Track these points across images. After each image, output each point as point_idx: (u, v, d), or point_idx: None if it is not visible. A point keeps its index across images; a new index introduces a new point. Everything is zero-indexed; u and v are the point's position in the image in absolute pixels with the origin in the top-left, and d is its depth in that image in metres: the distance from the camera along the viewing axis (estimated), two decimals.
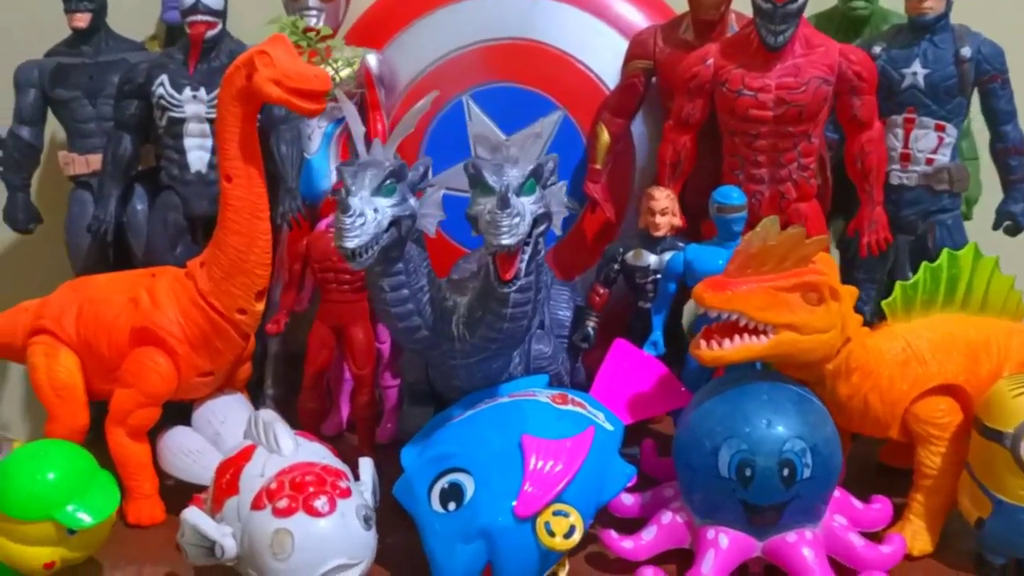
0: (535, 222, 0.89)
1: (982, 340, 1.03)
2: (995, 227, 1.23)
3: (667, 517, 1.00)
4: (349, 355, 1.22)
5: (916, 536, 1.01)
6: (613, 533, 0.99)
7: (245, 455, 0.98)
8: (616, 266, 1.20)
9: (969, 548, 1.00)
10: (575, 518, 0.91)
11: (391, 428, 1.30)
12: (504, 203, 0.86)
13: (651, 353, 1.14)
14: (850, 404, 1.01)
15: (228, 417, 1.13)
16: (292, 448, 0.98)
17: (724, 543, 0.96)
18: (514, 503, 0.90)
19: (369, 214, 0.89)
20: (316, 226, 1.28)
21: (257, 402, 1.24)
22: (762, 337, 0.96)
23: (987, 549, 0.97)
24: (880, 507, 1.02)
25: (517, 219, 0.86)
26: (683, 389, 1.10)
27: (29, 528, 0.89)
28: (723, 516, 0.96)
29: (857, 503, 1.02)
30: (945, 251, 1.04)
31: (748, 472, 0.93)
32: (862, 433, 1.04)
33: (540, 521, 0.90)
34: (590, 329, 1.19)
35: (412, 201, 0.94)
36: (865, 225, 1.21)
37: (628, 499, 1.03)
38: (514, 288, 0.90)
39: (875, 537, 0.98)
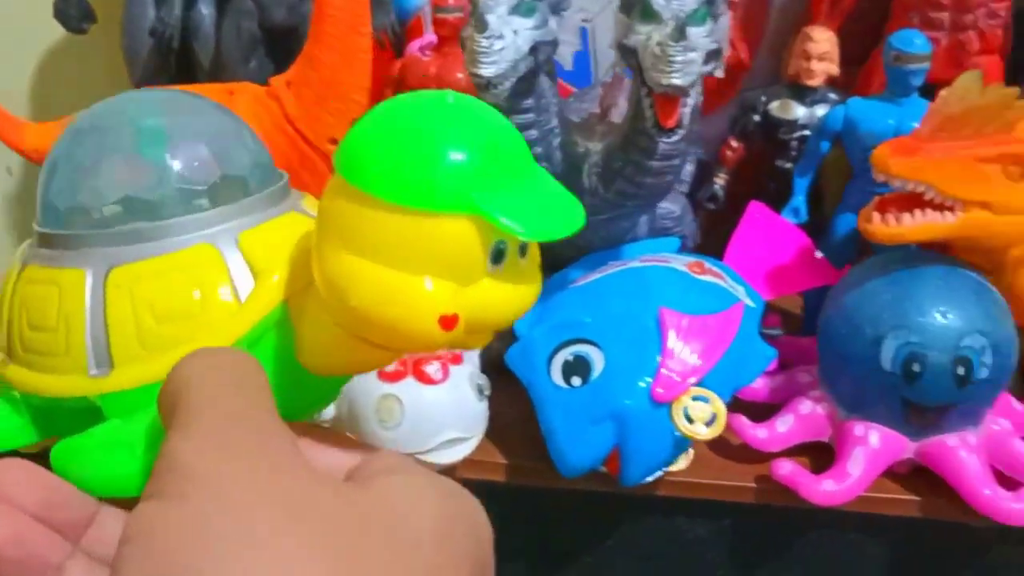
0: (705, 60, 0.74)
1: None
2: None
3: (806, 407, 0.89)
4: None
5: None
6: (744, 419, 0.88)
7: None
8: (757, 117, 1.04)
9: None
10: (717, 405, 0.80)
11: None
12: (680, 34, 0.70)
13: (791, 220, 1.01)
14: None
15: None
16: None
17: (875, 441, 0.85)
18: (650, 384, 0.80)
19: (508, 35, 0.73)
20: (407, 48, 1.12)
21: None
22: (947, 215, 0.82)
23: None
24: None
25: (692, 55, 0.71)
26: (828, 265, 0.97)
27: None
28: (876, 412, 0.85)
29: (1017, 404, 0.91)
30: None
31: (916, 367, 0.82)
32: None
33: (677, 406, 0.80)
34: (718, 188, 1.06)
35: (553, 24, 0.78)
36: None
37: (756, 381, 0.92)
38: (675, 138, 0.76)
39: None
